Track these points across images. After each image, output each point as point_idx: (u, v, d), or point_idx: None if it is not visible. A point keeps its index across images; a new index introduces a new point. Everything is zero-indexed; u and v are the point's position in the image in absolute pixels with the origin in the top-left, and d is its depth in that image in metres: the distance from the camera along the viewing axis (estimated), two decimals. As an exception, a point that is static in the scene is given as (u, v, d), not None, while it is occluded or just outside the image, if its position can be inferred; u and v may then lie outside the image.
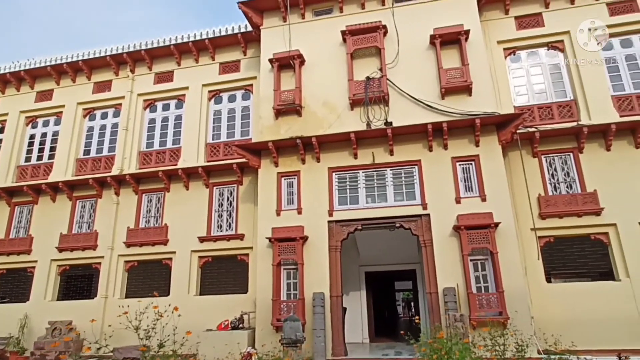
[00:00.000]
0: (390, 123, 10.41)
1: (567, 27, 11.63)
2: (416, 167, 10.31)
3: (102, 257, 12.34)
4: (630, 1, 11.51)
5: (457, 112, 10.25)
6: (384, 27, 11.24)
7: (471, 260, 9.44)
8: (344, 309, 10.43)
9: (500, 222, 9.35)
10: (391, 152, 10.37)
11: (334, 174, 10.62)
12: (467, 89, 10.41)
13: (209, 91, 13.24)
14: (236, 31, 12.96)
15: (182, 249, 11.86)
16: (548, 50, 11.87)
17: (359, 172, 10.57)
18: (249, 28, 12.62)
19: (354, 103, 10.82)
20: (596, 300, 9.62)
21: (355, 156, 10.50)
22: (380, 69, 10.94)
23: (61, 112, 14.29)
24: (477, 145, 10.08)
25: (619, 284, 9.69)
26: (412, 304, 23.59)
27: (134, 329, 4.07)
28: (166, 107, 13.69)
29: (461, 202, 9.81)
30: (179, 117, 13.38)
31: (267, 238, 10.22)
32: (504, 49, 11.88)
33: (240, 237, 11.58)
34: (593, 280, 10.31)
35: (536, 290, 9.82)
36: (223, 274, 11.84)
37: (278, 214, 10.54)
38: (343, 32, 11.33)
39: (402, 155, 10.37)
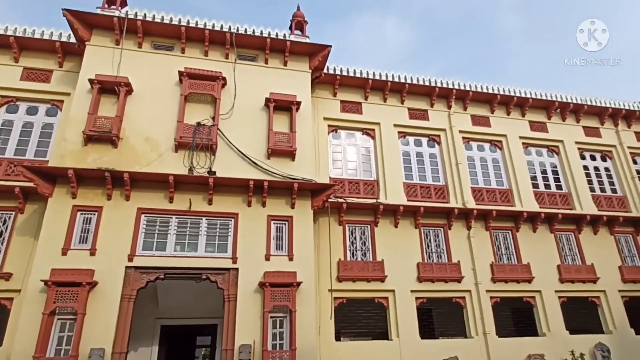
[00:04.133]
0: (214, 172, 10.87)
1: (379, 119, 14.57)
2: (233, 220, 10.85)
3: None
4: (423, 111, 15.24)
5: (279, 173, 11.44)
6: (224, 78, 12.05)
7: (271, 317, 10.15)
8: (127, 369, 9.66)
9: (303, 281, 10.45)
10: (210, 202, 10.72)
11: (143, 215, 10.28)
12: (291, 154, 11.78)
13: (2, 96, 11.49)
14: (55, 38, 11.89)
15: None
16: (362, 135, 14.54)
17: (172, 217, 10.50)
18: (73, 39, 11.77)
19: (180, 145, 10.98)
20: (374, 358, 11.38)
21: (171, 200, 10.47)
22: (213, 118, 11.52)
23: None
24: (293, 207, 11.30)
25: (391, 342, 11.74)
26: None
27: None
28: None
29: (270, 259, 10.66)
30: (-53, 118, 11.06)
31: (42, 280, 8.97)
32: (328, 126, 14.05)
33: (6, 276, 9.80)
34: (373, 339, 12.24)
35: (326, 348, 11.07)
36: (-33, 324, 9.65)
37: (64, 253, 9.46)
38: (180, 73, 11.66)
39: (221, 206, 10.82)
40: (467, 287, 12.91)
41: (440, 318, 13.20)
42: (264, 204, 11.10)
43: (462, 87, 15.41)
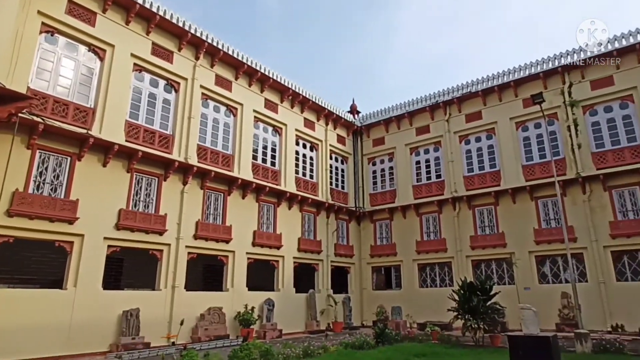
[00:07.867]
0: None
1: (115, 41, 12.77)
2: None
3: None
4: (169, 52, 14.31)
5: (-57, 57, 8.34)
6: None
7: None
8: None
9: (-53, 209, 8.00)
10: None
11: None
12: (-29, 38, 8.79)
13: None
14: None
15: None
16: (89, 51, 12.38)
17: None
18: None
19: None
20: (40, 308, 9.94)
21: None
22: None
23: None
24: (-45, 109, 8.49)
25: (64, 292, 10.52)
26: None
27: None
28: None
29: None
30: None
31: None
32: (43, 24, 11.28)
33: None
34: (43, 287, 10.69)
35: (-33, 296, 8.89)
36: None
37: None
38: None
39: None
40: (168, 240, 13.01)
41: (130, 269, 12.83)
42: None
43: (215, 44, 15.33)
